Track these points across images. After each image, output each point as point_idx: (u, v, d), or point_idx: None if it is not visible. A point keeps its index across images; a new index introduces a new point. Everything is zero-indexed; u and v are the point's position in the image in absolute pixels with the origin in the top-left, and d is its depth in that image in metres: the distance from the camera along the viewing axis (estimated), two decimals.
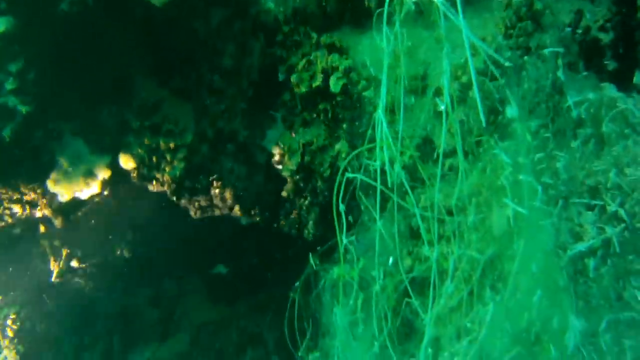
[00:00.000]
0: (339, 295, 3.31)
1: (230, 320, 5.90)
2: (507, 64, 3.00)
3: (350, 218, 3.45)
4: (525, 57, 3.35)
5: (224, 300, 6.06)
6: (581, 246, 3.35)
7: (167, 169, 4.19)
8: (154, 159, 4.19)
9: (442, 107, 3.01)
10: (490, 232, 3.29)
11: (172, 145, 4.18)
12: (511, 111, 3.11)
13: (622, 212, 3.45)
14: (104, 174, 4.19)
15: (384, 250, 3.23)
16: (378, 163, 3.15)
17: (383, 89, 3.02)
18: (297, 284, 3.98)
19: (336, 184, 3.16)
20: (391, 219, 3.23)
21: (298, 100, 4.25)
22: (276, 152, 4.54)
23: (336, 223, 3.21)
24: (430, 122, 3.76)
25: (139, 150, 4.17)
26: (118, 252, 4.76)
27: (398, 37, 3.07)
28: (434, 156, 3.68)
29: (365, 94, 3.72)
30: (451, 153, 3.50)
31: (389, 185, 3.13)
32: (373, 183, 3.09)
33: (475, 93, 2.84)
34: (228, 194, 4.65)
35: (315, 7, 4.42)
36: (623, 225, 3.45)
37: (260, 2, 4.34)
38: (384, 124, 3.00)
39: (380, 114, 3.05)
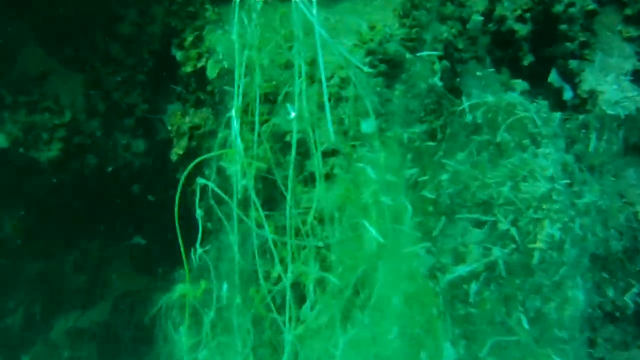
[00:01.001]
0: (184, 316, 2.90)
1: (148, 292, 5.55)
2: (365, 69, 2.48)
3: (209, 225, 3.01)
4: (407, 55, 2.81)
5: (145, 269, 5.70)
6: (462, 269, 2.92)
7: (44, 149, 3.71)
8: (31, 138, 3.71)
9: (292, 115, 2.52)
10: (359, 250, 2.85)
11: (49, 124, 3.69)
12: (366, 125, 2.61)
13: (513, 230, 3.01)
14: None
15: (240, 266, 2.81)
16: (234, 169, 2.68)
17: (236, 90, 2.52)
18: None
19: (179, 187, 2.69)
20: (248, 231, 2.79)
21: (190, 78, 3.73)
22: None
23: (178, 234, 2.77)
24: (316, 115, 3.27)
25: (13, 129, 3.67)
26: (9, 229, 4.34)
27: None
28: (309, 156, 3.19)
29: (240, 82, 3.19)
30: (330, 153, 3.00)
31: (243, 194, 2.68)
32: (222, 194, 2.63)
33: (326, 107, 2.33)
34: (123, 173, 4.19)
35: None
36: (513, 245, 3.02)
37: None
38: (236, 125, 2.52)
39: (233, 115, 2.56)
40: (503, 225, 3.01)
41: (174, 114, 3.85)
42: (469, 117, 2.96)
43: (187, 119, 3.73)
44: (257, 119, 2.62)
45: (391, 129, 2.71)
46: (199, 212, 2.88)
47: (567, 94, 3.33)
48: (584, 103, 3.29)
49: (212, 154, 2.84)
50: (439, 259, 2.97)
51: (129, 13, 4.11)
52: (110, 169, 4.07)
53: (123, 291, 5.85)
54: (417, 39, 2.93)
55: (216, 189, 2.66)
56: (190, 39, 3.57)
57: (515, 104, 2.95)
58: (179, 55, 3.59)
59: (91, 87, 4.00)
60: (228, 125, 2.99)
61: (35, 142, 3.69)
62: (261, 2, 2.48)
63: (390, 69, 2.83)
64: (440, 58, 2.95)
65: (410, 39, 2.93)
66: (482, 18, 3.21)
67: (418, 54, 2.78)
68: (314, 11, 2.35)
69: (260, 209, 2.55)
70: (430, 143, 2.87)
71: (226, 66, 3.25)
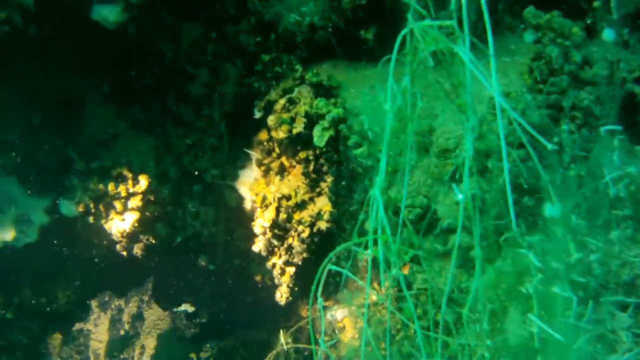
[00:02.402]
0: None
1: None
2: (549, 146, 2.09)
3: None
4: (564, 126, 2.44)
5: (190, 338, 5.12)
6: None
7: (116, 219, 3.23)
8: (101, 207, 3.23)
9: (460, 197, 2.10)
10: (505, 341, 2.40)
11: (123, 192, 3.22)
12: (551, 210, 2.20)
13: None
14: (41, 220, 3.23)
15: None
16: (370, 253, 2.23)
17: (382, 165, 2.11)
18: None
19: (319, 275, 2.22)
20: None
21: (276, 143, 3.31)
22: (248, 199, 3.60)
23: (312, 334, 2.26)
24: (434, 187, 2.87)
25: (84, 197, 3.20)
26: (63, 300, 3.80)
27: (407, 99, 2.16)
28: (436, 230, 2.78)
29: (356, 152, 2.78)
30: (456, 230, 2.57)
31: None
32: (360, 282, 2.17)
33: (507, 186, 1.92)
34: (191, 243, 3.70)
35: (307, 30, 3.45)
36: None
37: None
38: (381, 209, 2.09)
39: (377, 194, 2.13)
40: None
41: (256, 182, 3.42)
42: (612, 191, 2.57)
43: (273, 187, 3.29)
44: (403, 202, 2.18)
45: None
46: (320, 301, 2.39)
47: None
48: None
49: (353, 241, 2.35)
50: (588, 347, 2.53)
51: (200, 72, 3.72)
52: (179, 239, 3.58)
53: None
54: (555, 107, 2.56)
55: (355, 278, 2.19)
56: (282, 101, 3.16)
57: None
58: (270, 119, 3.17)
59: (162, 151, 3.56)
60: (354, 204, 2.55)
61: (107, 212, 3.22)
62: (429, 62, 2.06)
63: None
64: (579, 127, 2.58)
65: (548, 105, 2.56)
66: (605, 81, 2.87)
67: (603, 128, 2.40)
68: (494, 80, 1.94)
69: (412, 306, 2.08)
70: (582, 222, 2.46)
71: (334, 134, 2.84)
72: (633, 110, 3.06)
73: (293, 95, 3.21)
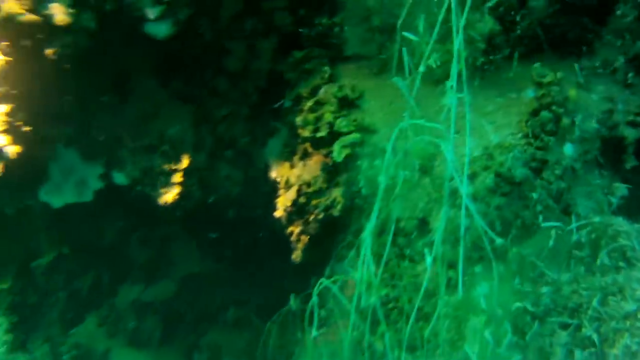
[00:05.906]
0: None
1: (216, 281, 5.96)
2: (499, 241, 2.72)
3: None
4: (538, 181, 3.06)
5: (213, 256, 6.09)
6: None
7: (162, 190, 4.02)
8: (149, 178, 4.00)
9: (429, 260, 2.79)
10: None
11: (167, 167, 3.97)
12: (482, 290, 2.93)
13: (595, 336, 3.38)
14: (96, 184, 4.03)
15: None
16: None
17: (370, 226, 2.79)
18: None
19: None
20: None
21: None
22: (274, 171, 4.32)
23: None
24: (431, 204, 3.57)
25: (134, 171, 3.96)
26: (110, 237, 4.74)
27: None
28: (427, 237, 3.52)
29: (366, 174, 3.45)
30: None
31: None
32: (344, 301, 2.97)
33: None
34: (222, 201, 4.51)
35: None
36: (593, 349, 3.41)
37: None
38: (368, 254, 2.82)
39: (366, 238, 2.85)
40: (587, 331, 3.38)
41: (281, 166, 4.11)
42: (575, 237, 3.25)
43: (296, 171, 3.99)
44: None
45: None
46: (314, 300, 3.19)
47: None
48: None
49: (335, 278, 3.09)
50: (527, 355, 3.38)
51: (236, 48, 4.25)
52: (211, 199, 4.39)
53: (188, 273, 6.20)
54: (541, 160, 3.17)
55: (341, 296, 2.99)
56: (309, 104, 3.76)
57: (620, 232, 3.23)
58: (297, 120, 3.79)
59: (200, 121, 4.23)
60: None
61: (153, 184, 4.00)
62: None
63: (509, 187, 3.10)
64: (557, 177, 3.20)
65: (533, 159, 3.16)
66: (597, 126, 3.41)
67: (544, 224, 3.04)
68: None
69: (386, 332, 2.90)
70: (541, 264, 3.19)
71: (351, 153, 3.49)
72: (620, 149, 3.58)
73: (319, 97, 3.80)
